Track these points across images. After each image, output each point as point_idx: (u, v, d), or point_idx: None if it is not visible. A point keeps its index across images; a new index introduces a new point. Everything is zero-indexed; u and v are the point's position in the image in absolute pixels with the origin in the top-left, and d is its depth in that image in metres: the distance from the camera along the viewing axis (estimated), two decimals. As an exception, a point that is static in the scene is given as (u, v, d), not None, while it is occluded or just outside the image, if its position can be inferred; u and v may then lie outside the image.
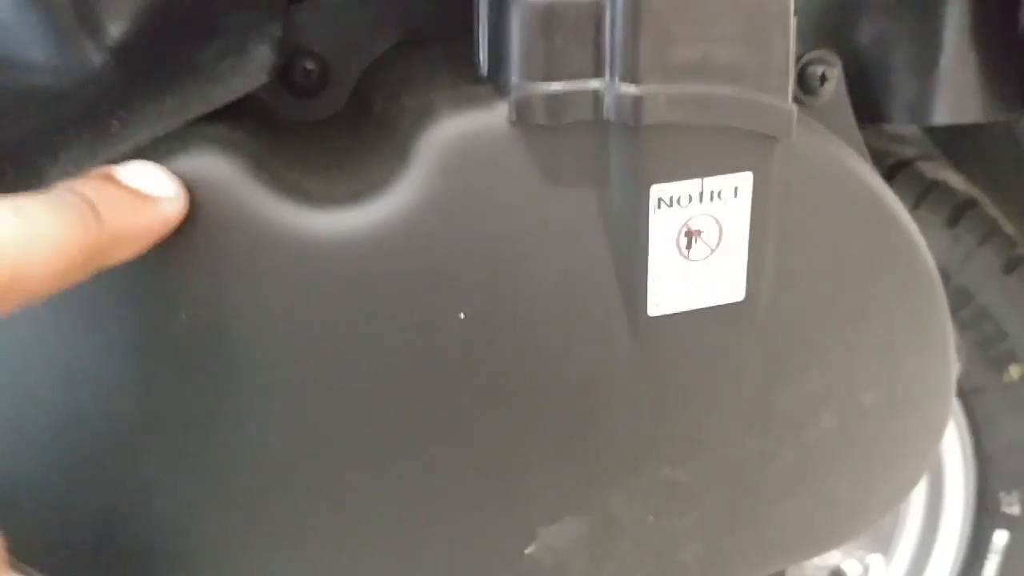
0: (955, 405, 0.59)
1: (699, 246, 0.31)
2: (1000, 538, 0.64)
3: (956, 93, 0.44)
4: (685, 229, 0.30)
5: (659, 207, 0.29)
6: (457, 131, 0.28)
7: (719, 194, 0.30)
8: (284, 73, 0.32)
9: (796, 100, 0.30)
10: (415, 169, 0.28)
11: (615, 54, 0.27)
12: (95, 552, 0.30)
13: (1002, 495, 0.63)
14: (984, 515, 0.64)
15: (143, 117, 0.27)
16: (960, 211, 0.56)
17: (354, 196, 0.28)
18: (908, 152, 0.58)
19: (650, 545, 0.34)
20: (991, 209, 0.57)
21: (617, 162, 0.29)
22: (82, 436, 0.29)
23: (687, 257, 0.31)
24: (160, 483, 0.29)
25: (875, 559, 0.67)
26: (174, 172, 0.27)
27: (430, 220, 0.28)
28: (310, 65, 0.32)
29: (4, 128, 0.27)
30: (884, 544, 0.68)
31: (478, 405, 0.31)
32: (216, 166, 0.27)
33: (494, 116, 0.28)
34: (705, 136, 0.29)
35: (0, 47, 0.27)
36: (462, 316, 0.29)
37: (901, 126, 0.58)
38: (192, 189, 0.27)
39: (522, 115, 0.28)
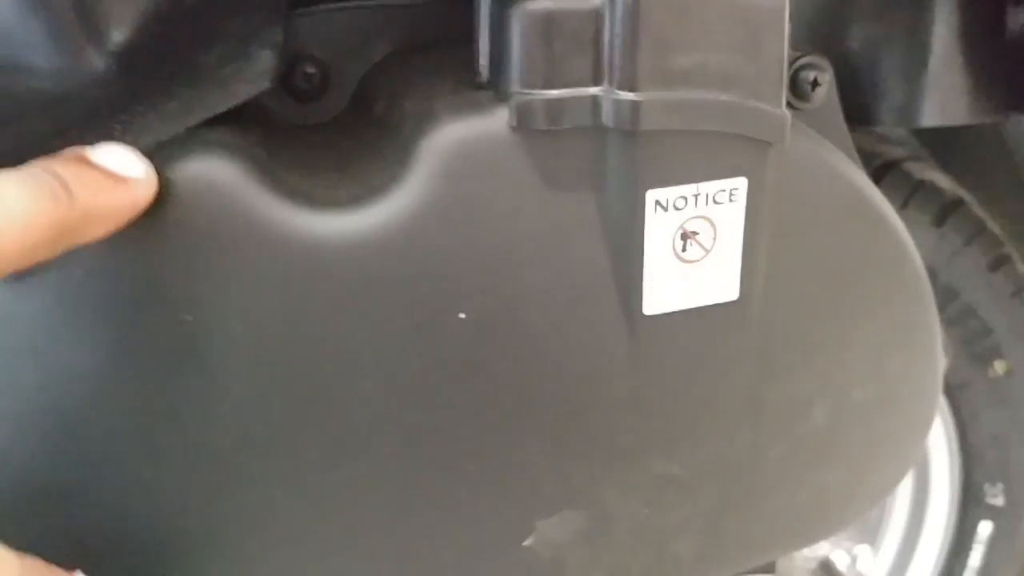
0: (941, 400, 0.60)
1: (694, 248, 0.31)
2: (985, 529, 0.65)
3: (944, 96, 0.44)
4: (681, 231, 0.31)
5: (656, 210, 0.30)
6: (458, 136, 0.28)
7: (714, 197, 0.30)
8: (285, 77, 0.32)
9: (788, 105, 0.31)
10: (416, 173, 0.28)
11: (613, 61, 0.28)
12: (95, 551, 0.30)
13: (987, 487, 0.64)
14: (969, 506, 0.64)
15: (145, 122, 0.27)
16: (947, 211, 0.57)
17: (356, 200, 0.28)
18: (896, 153, 0.58)
19: (645, 537, 0.35)
20: (977, 209, 0.58)
21: (615, 167, 0.29)
22: (83, 436, 0.29)
23: (683, 258, 0.31)
24: (161, 483, 0.29)
25: (863, 550, 0.68)
26: (178, 177, 0.27)
27: (431, 223, 0.28)
28: (311, 69, 0.33)
29: (6, 132, 0.27)
30: (872, 535, 0.68)
31: (478, 403, 0.31)
32: (219, 170, 0.27)
33: (495, 121, 0.28)
34: (701, 141, 0.29)
35: (2, 51, 0.27)
36: (462, 316, 0.30)
37: (890, 128, 0.58)
38: (196, 193, 0.27)
39: (522, 121, 0.28)
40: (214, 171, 0.27)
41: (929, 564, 0.67)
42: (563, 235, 0.30)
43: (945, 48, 0.44)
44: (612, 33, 0.28)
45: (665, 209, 0.30)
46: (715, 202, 0.31)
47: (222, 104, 0.28)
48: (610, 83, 0.28)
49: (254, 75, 0.29)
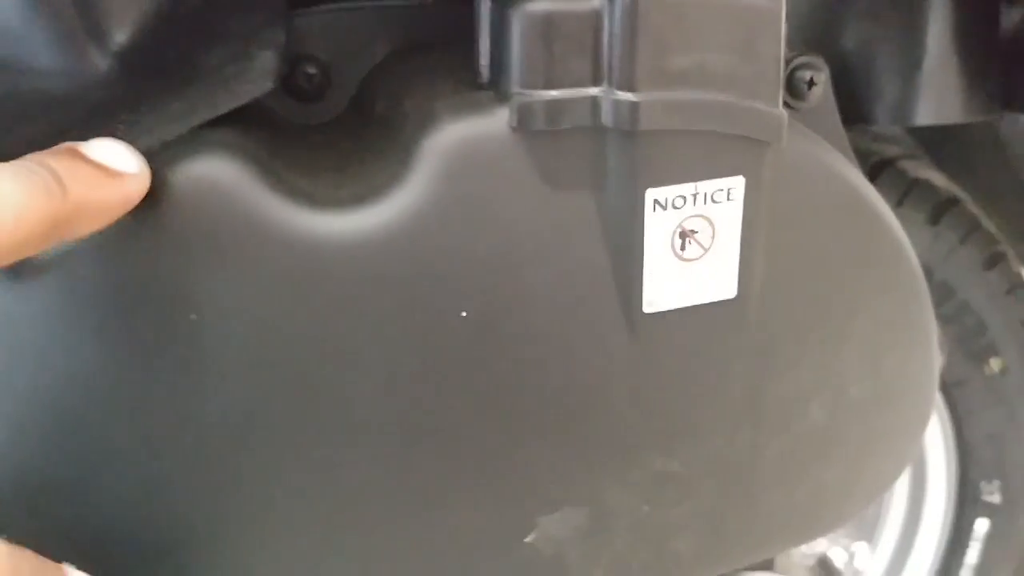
0: (937, 397, 0.60)
1: (693, 246, 0.31)
2: (981, 526, 0.65)
3: (939, 94, 0.45)
4: (679, 230, 0.31)
5: (654, 209, 0.30)
6: (459, 136, 0.28)
7: (712, 197, 0.31)
8: (286, 78, 0.32)
9: (785, 105, 0.31)
10: (417, 173, 0.28)
11: (613, 62, 0.28)
12: (94, 549, 0.30)
13: (983, 484, 0.64)
14: (965, 504, 0.65)
15: (148, 122, 0.27)
16: (942, 209, 0.57)
17: (357, 199, 0.29)
18: (891, 151, 0.58)
19: (645, 534, 0.35)
20: (972, 207, 0.58)
21: (614, 166, 0.30)
22: (83, 435, 0.29)
23: (681, 257, 0.31)
24: (160, 481, 0.29)
25: (860, 547, 0.68)
26: (181, 177, 0.27)
27: (432, 223, 0.29)
28: (312, 70, 0.33)
29: (9, 132, 0.27)
30: (869, 532, 0.68)
31: (480, 401, 0.31)
32: (222, 170, 0.27)
33: (495, 122, 0.28)
34: (699, 141, 0.30)
35: (5, 51, 0.27)
36: (463, 315, 0.30)
37: (885, 127, 0.59)
38: (198, 193, 0.27)
39: (523, 121, 0.28)
40: (216, 171, 0.27)
41: (926, 561, 0.67)
42: (563, 234, 0.30)
43: (940, 47, 0.44)
44: (611, 34, 0.28)
45: (664, 208, 0.30)
46: (713, 201, 0.31)
47: (224, 104, 0.28)
48: (609, 84, 0.28)
49: (256, 75, 0.29)
